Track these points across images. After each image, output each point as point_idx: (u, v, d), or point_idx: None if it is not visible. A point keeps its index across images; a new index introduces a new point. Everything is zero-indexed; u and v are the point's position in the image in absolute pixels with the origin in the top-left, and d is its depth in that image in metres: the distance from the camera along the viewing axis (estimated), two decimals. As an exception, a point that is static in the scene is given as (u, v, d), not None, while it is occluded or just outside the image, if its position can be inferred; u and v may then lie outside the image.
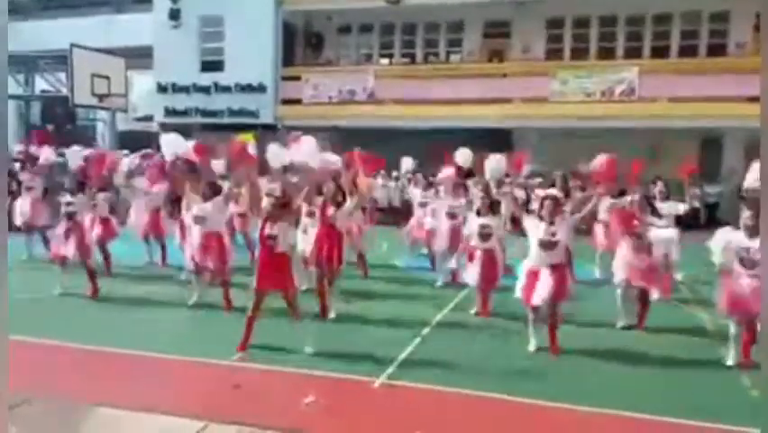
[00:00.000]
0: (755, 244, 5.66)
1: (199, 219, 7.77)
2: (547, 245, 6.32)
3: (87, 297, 8.52)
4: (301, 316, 6.51)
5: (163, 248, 10.73)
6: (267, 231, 6.19)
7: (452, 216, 9.34)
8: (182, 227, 9.11)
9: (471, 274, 7.83)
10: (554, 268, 6.34)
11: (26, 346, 6.32)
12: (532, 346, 6.56)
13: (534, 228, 6.42)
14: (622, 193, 8.83)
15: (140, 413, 4.91)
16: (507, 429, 4.89)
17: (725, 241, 6.06)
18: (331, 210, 7.65)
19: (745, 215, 5.88)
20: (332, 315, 7.57)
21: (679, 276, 9.42)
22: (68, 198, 8.63)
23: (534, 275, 6.40)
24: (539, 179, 17.38)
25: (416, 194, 11.49)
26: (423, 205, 10.87)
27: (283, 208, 6.29)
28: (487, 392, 5.39)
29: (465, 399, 5.31)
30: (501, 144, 19.89)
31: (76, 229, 8.51)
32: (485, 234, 7.76)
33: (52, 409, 5.00)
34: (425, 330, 7.24)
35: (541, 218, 6.44)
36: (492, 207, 7.94)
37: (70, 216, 8.55)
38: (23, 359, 5.96)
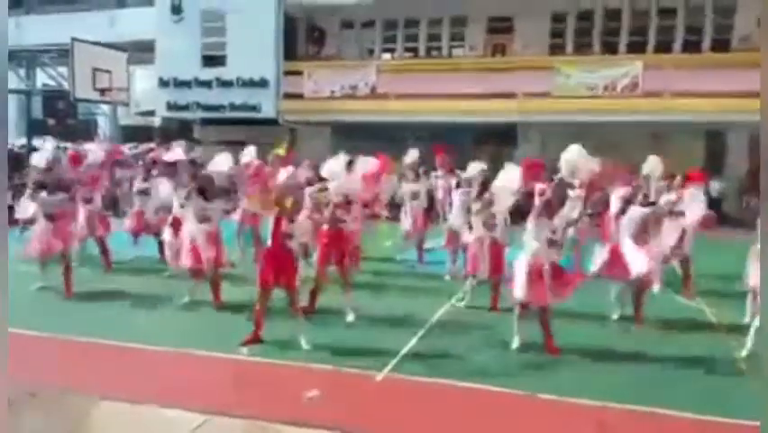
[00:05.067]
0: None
1: (203, 218, 7.71)
2: (551, 244, 6.25)
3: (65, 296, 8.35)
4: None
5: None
6: (284, 228, 6.25)
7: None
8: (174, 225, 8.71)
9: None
10: (554, 266, 6.26)
11: (29, 339, 6.33)
12: (515, 343, 6.48)
13: (537, 227, 6.29)
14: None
15: (143, 406, 4.90)
16: (508, 422, 4.85)
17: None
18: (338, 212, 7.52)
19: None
20: (350, 318, 7.36)
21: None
22: (46, 197, 8.46)
23: (535, 273, 6.25)
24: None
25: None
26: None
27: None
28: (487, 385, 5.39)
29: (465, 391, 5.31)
30: (505, 139, 19.93)
31: (57, 228, 8.38)
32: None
33: (56, 402, 4.98)
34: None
35: (542, 216, 6.33)
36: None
37: (50, 216, 8.37)
38: (27, 352, 5.95)
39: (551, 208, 6.32)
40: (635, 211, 7.30)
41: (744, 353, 6.21)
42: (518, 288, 6.35)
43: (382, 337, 6.71)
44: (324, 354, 6.10)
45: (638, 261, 7.04)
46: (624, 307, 7.52)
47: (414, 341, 6.58)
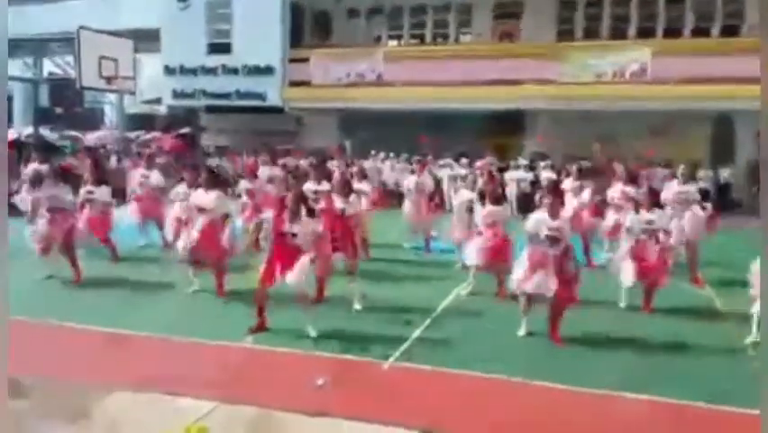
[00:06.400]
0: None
1: (201, 210, 7.68)
2: (552, 241, 6.22)
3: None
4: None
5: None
6: (286, 228, 6.19)
7: None
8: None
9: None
10: (556, 259, 6.21)
11: (35, 327, 6.36)
12: (522, 331, 6.47)
13: (538, 222, 6.31)
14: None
15: (150, 394, 4.92)
16: (516, 412, 4.85)
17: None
18: (338, 202, 7.54)
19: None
20: (357, 306, 7.32)
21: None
22: (51, 191, 8.49)
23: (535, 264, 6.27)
24: (548, 162, 17.29)
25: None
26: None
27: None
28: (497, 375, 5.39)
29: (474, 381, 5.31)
30: (513, 126, 19.81)
31: (59, 221, 8.34)
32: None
33: (62, 391, 5.01)
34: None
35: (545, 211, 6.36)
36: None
37: (53, 210, 8.37)
38: (32, 340, 5.98)
39: (555, 207, 6.35)
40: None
41: (748, 340, 6.19)
42: (518, 278, 6.40)
43: (389, 325, 6.70)
44: (330, 342, 6.11)
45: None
46: (632, 296, 7.49)
47: (421, 329, 6.58)
